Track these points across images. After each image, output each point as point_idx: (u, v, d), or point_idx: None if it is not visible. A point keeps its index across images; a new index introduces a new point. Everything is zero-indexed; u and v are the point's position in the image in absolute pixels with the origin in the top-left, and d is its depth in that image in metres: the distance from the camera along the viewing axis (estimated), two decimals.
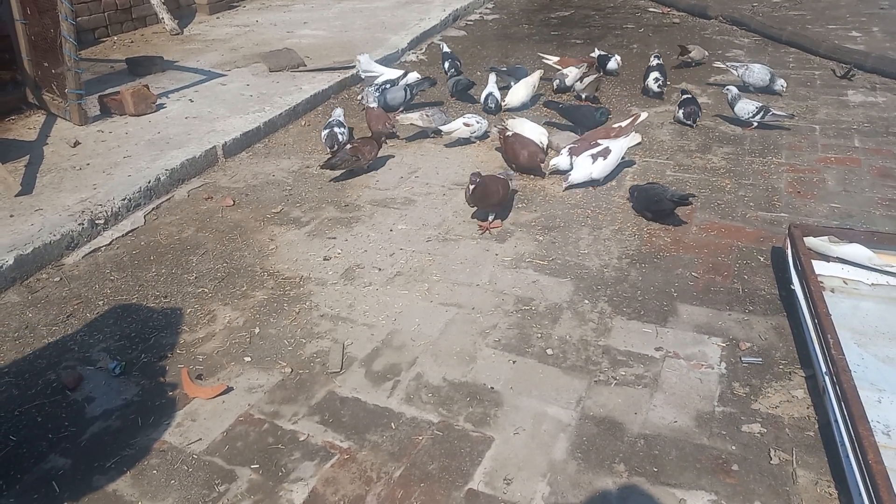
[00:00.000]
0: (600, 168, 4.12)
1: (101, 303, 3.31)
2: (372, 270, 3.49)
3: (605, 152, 4.12)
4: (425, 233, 3.80)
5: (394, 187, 4.39)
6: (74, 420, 2.60)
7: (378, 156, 4.61)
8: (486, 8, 9.58)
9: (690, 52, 6.40)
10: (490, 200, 3.79)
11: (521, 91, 5.46)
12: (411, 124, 5.05)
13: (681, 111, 5.03)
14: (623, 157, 4.31)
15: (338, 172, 4.51)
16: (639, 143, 4.69)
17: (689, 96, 5.10)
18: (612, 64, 6.23)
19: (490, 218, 3.84)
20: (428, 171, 4.59)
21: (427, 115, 5.01)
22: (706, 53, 6.50)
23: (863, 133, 4.86)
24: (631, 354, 2.82)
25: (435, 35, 8.10)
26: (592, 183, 4.18)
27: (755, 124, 4.95)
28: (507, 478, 2.27)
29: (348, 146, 4.47)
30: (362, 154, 4.46)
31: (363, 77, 6.11)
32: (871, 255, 3.08)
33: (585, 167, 4.11)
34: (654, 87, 5.61)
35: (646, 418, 2.49)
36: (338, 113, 4.97)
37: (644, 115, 4.71)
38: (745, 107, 4.89)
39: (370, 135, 4.80)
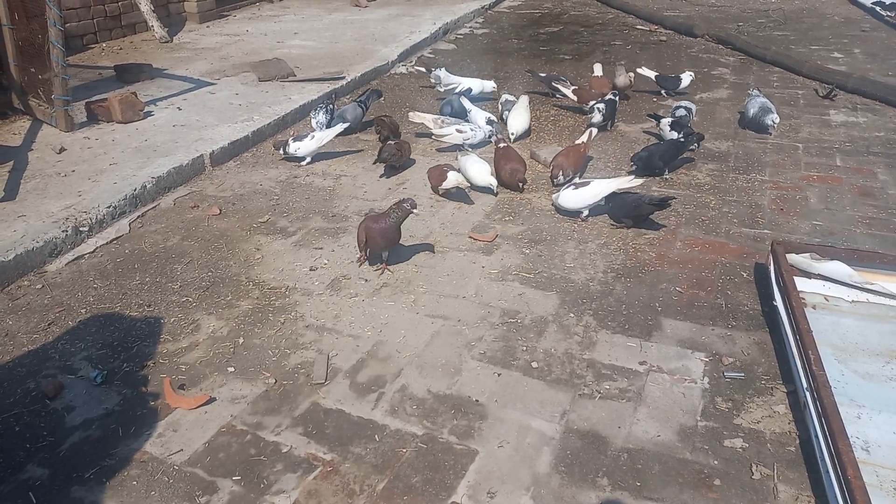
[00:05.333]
0: (581, 199, 3.95)
1: (83, 311, 3.27)
2: (358, 281, 3.48)
3: (586, 184, 3.97)
4: (412, 244, 3.81)
5: (381, 198, 4.39)
6: (53, 429, 2.57)
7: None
8: (476, 22, 9.67)
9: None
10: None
11: (522, 117, 5.25)
12: (422, 124, 5.18)
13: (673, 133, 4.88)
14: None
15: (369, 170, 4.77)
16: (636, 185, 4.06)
17: (674, 120, 5.03)
18: (686, 80, 6.04)
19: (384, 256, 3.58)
20: (415, 182, 4.60)
21: (443, 122, 5.08)
22: (631, 77, 6.01)
23: (844, 152, 4.94)
24: (615, 368, 2.83)
25: (425, 48, 8.15)
26: (576, 214, 4.03)
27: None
28: (491, 491, 2.27)
29: (392, 142, 4.74)
30: (402, 150, 4.71)
31: (442, 90, 6.13)
32: (851, 272, 3.13)
33: (575, 199, 3.97)
34: (597, 116, 5.24)
35: (629, 432, 2.50)
36: (320, 115, 5.22)
37: (595, 132, 4.65)
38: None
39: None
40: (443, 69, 6.20)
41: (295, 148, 4.83)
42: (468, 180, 4.30)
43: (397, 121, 5.27)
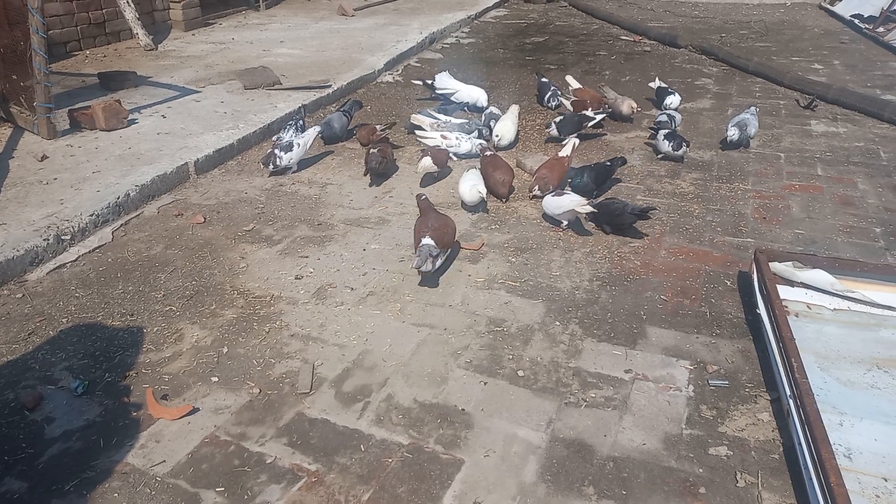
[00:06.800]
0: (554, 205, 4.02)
1: (64, 320, 3.23)
2: (344, 290, 3.47)
3: (560, 195, 4.04)
4: (398, 253, 3.80)
5: (367, 206, 4.39)
6: (32, 441, 2.53)
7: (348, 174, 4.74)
8: (463, 32, 9.71)
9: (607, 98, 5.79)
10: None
11: (510, 126, 5.25)
12: (418, 125, 5.22)
13: (670, 144, 4.87)
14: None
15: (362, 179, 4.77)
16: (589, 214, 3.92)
17: (670, 130, 5.03)
18: (674, 100, 5.75)
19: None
20: (402, 191, 4.60)
21: (440, 127, 5.09)
22: (634, 107, 5.73)
23: (825, 161, 5.01)
24: (601, 376, 2.84)
25: (412, 57, 8.17)
26: (557, 223, 4.06)
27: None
28: (477, 501, 2.26)
29: (375, 150, 4.68)
30: (386, 155, 4.72)
31: (436, 95, 6.13)
32: (833, 280, 3.16)
33: (551, 205, 4.04)
34: (553, 131, 5.25)
35: (615, 440, 2.50)
36: (289, 134, 5.04)
37: (577, 141, 4.66)
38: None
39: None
40: (444, 72, 6.20)
41: (288, 159, 4.76)
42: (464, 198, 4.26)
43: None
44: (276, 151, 4.77)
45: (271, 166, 4.79)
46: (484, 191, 4.21)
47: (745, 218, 4.18)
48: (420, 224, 3.62)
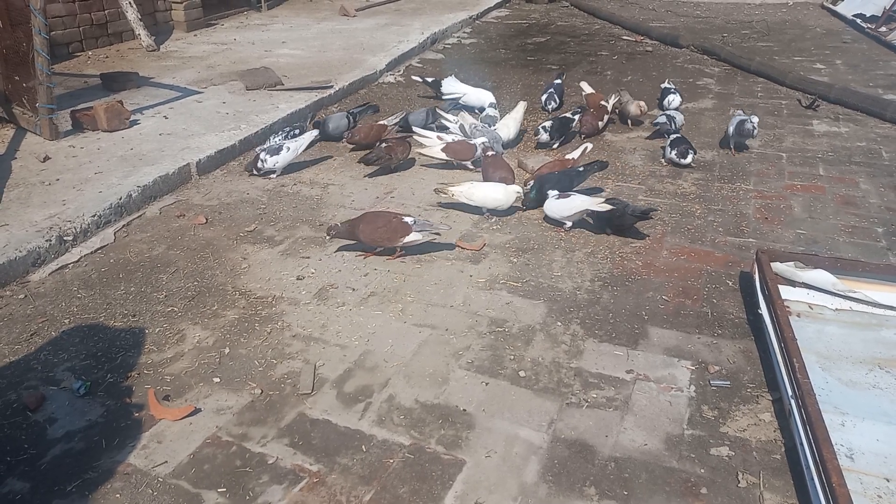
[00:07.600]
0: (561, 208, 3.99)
1: (66, 321, 3.24)
2: (345, 290, 3.47)
3: (567, 196, 4.01)
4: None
5: (369, 207, 4.38)
6: (35, 442, 2.53)
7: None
8: (464, 32, 9.72)
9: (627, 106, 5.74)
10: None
11: (511, 126, 5.25)
12: (460, 123, 5.19)
13: (673, 151, 4.85)
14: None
15: (369, 170, 4.86)
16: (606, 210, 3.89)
17: (679, 136, 5.00)
18: (674, 100, 5.75)
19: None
20: (403, 191, 4.60)
21: (471, 127, 5.08)
22: (642, 107, 5.72)
23: (827, 161, 5.01)
24: (602, 377, 2.83)
25: (413, 57, 8.18)
26: (559, 223, 4.05)
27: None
28: (479, 501, 2.26)
29: (384, 144, 4.74)
30: (395, 153, 4.75)
31: (444, 98, 6.14)
32: (835, 280, 3.16)
33: (555, 208, 4.02)
34: (543, 136, 5.21)
35: (616, 441, 2.50)
36: (278, 138, 5.01)
37: (590, 146, 4.66)
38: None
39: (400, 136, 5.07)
40: (451, 76, 6.21)
41: (273, 163, 4.72)
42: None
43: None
44: (262, 155, 4.74)
45: (253, 171, 4.77)
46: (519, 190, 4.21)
47: (746, 218, 4.17)
48: (375, 225, 3.64)
